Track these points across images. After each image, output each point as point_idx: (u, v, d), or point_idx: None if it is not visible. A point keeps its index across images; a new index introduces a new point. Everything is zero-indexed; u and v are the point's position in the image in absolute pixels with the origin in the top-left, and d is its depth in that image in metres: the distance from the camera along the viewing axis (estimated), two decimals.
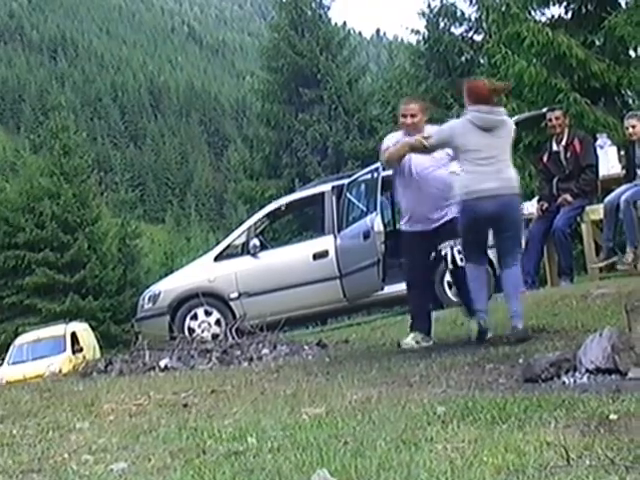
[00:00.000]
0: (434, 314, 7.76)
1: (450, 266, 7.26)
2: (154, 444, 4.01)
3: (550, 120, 10.06)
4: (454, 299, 10.67)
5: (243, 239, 11.86)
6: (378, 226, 10.48)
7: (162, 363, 7.96)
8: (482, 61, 23.85)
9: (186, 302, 11.39)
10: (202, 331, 11.11)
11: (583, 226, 9.91)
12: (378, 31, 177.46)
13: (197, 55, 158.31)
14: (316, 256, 11.38)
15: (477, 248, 6.89)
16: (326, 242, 11.45)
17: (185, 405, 5.21)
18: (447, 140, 6.86)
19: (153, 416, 4.85)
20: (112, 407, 5.32)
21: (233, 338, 8.75)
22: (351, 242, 10.96)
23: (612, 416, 3.58)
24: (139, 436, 4.23)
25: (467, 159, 6.73)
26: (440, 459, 3.23)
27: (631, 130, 9.65)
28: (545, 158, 10.08)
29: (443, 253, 7.24)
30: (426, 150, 6.99)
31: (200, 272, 11.75)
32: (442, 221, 7.23)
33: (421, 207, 7.21)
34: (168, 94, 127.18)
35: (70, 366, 12.45)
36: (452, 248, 7.17)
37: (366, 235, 10.56)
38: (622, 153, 10.14)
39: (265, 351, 8.10)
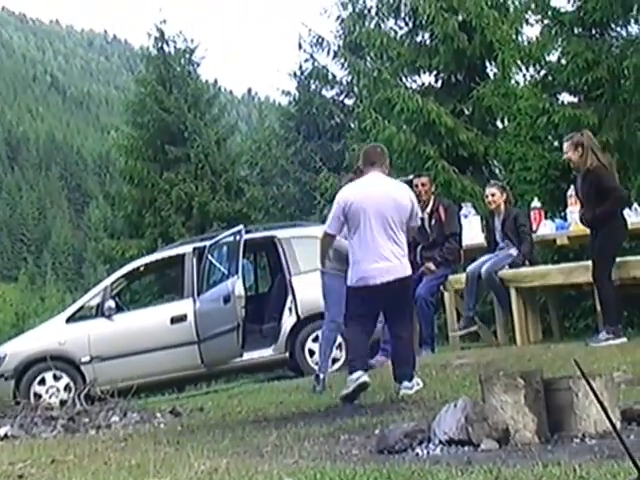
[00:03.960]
0: (293, 382, 7.82)
1: None
2: None
3: (416, 186, 10.29)
4: (315, 367, 10.77)
5: (98, 300, 11.67)
6: (239, 290, 10.50)
7: (2, 431, 7.71)
8: (352, 125, 24.33)
9: (33, 366, 11.14)
10: (49, 397, 10.85)
11: (446, 295, 10.17)
12: (250, 90, 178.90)
13: (60, 106, 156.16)
14: (174, 320, 11.30)
15: None
16: (185, 305, 11.39)
17: (20, 477, 5.05)
18: None
19: None
20: None
21: (81, 404, 8.57)
22: (211, 306, 10.94)
23: None
24: None
25: None
26: None
27: (490, 199, 10.00)
28: None
29: None
30: None
31: (50, 334, 11.50)
32: None
33: None
34: (27, 145, 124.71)
35: None
36: None
37: (226, 299, 10.56)
38: (485, 223, 10.51)
39: (115, 418, 7.96)
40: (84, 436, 7.28)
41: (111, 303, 11.46)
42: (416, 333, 10.27)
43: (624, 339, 8.54)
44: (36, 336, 11.80)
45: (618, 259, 8.89)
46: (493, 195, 10.00)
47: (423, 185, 10.24)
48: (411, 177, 11.16)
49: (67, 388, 11.01)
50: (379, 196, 7.27)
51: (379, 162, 7.48)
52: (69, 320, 11.62)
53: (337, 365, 10.75)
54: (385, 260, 7.19)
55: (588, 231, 8.95)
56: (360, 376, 7.12)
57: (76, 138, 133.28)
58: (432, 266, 9.89)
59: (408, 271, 7.36)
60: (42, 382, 11.08)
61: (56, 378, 11.09)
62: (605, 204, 8.44)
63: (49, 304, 68.79)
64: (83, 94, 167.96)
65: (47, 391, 11.03)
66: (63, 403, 10.17)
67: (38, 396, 10.87)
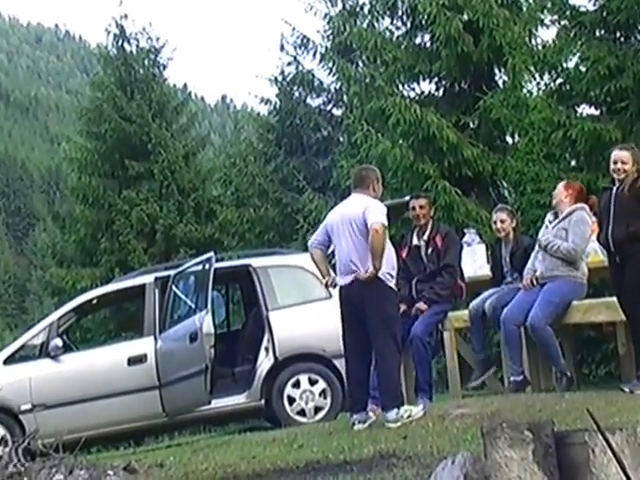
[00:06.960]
0: (269, 434, 7.83)
1: None
2: None
3: (413, 208, 10.28)
4: (295, 417, 10.80)
5: (42, 338, 11.62)
6: (208, 327, 10.52)
7: None
8: (341, 139, 24.45)
9: None
10: None
11: (445, 334, 10.17)
12: (224, 97, 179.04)
13: (1, 112, 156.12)
14: (131, 361, 11.29)
15: None
16: (145, 344, 11.38)
17: None
18: None
19: None
20: None
21: (19, 461, 8.52)
22: (174, 345, 10.96)
23: None
24: None
25: None
26: None
27: (499, 225, 9.99)
28: (404, 253, 10.24)
29: None
30: None
31: None
32: None
33: None
34: None
35: None
36: None
37: (193, 337, 10.58)
38: (490, 252, 10.54)
39: (58, 477, 7.93)
40: None
41: (58, 342, 11.41)
42: (412, 378, 10.30)
43: None
44: None
45: None
46: (503, 221, 9.99)
47: (421, 208, 10.21)
48: (407, 198, 11.22)
49: (2, 441, 10.93)
50: (341, 214, 8.73)
51: (361, 185, 8.78)
52: (7, 361, 11.54)
53: (320, 415, 10.78)
54: (353, 270, 8.49)
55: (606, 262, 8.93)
56: (353, 424, 8.48)
57: (20, 150, 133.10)
58: (423, 306, 9.85)
59: (375, 278, 8.35)
60: None
61: None
62: None
63: None
64: (29, 99, 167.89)
65: None
66: None
67: None
